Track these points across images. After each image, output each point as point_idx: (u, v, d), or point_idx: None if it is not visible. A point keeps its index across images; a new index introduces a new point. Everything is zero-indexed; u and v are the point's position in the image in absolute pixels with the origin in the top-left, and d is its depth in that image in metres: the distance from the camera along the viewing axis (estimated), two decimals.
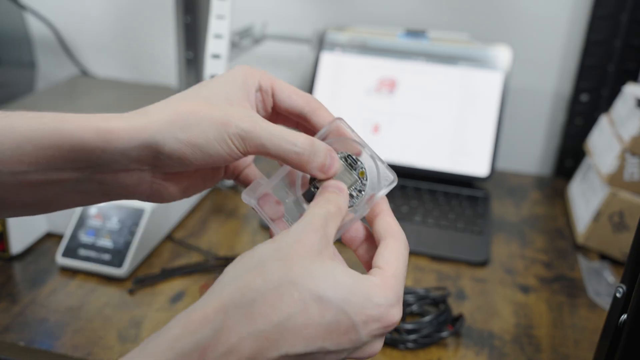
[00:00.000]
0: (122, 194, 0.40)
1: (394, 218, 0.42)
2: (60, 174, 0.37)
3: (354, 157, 0.42)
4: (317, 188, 0.41)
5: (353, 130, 0.42)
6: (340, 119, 0.42)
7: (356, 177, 0.42)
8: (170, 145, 0.38)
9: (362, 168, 0.42)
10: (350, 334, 0.34)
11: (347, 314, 0.34)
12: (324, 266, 0.35)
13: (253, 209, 0.43)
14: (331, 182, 0.41)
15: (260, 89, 0.44)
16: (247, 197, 0.42)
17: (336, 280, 0.35)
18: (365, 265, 0.42)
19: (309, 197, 0.42)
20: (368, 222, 0.43)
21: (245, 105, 0.42)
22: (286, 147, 0.39)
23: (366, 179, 0.42)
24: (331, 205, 0.38)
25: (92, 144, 0.37)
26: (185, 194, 0.44)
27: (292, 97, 0.44)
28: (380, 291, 0.35)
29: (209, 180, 0.45)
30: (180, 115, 0.38)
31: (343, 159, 0.42)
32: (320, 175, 0.40)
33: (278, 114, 0.46)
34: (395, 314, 0.36)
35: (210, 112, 0.39)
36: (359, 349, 0.36)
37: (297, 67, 1.19)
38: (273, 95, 0.44)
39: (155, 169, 0.40)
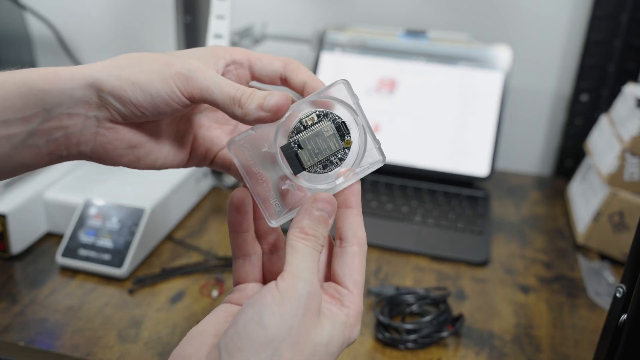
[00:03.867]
0: (67, 149, 0.39)
1: (362, 217, 0.41)
2: (9, 128, 0.37)
3: (342, 121, 0.39)
4: (299, 145, 0.39)
5: (354, 95, 0.40)
6: (344, 80, 0.39)
7: (342, 144, 0.39)
8: (110, 82, 0.37)
9: (349, 136, 0.39)
10: None
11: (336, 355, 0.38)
12: (323, 336, 0.36)
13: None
14: (321, 198, 0.39)
15: (233, 62, 0.43)
16: (229, 144, 0.40)
17: (331, 342, 0.37)
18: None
19: (287, 151, 0.39)
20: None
21: (207, 66, 0.40)
22: (226, 89, 0.38)
23: (349, 148, 0.40)
24: (317, 253, 0.38)
25: (38, 86, 0.36)
26: (135, 156, 0.41)
27: (273, 62, 0.43)
28: (356, 328, 0.39)
29: (165, 148, 0.42)
30: (125, 58, 0.38)
31: (333, 121, 0.39)
32: (261, 114, 0.37)
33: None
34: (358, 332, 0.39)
35: (158, 55, 0.38)
36: None
37: None
38: (251, 67, 0.43)
39: (100, 116, 0.38)
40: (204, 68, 0.38)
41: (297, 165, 0.39)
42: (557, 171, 1.14)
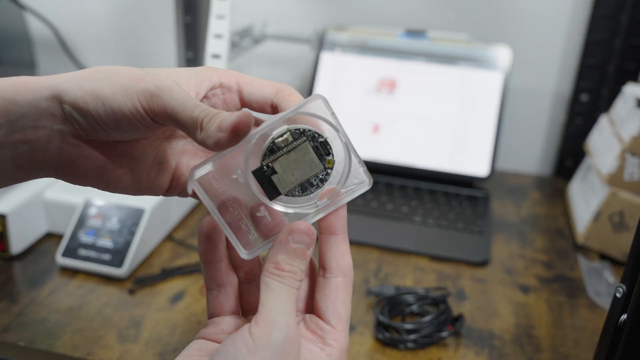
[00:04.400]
0: (33, 164, 0.36)
1: (348, 244, 0.38)
2: None
3: (322, 139, 0.35)
4: (272, 170, 0.35)
5: (333, 113, 0.36)
6: (319, 95, 0.35)
7: (321, 164, 0.36)
8: (73, 93, 0.34)
9: (330, 155, 0.36)
10: None
11: None
12: None
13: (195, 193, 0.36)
14: (297, 229, 0.35)
15: (221, 86, 0.39)
16: (190, 174, 0.35)
17: None
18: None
19: (260, 176, 0.36)
20: (319, 230, 0.38)
21: (187, 87, 0.37)
22: (190, 110, 0.33)
23: (331, 168, 0.36)
24: (294, 290, 0.35)
25: (5, 95, 0.34)
26: (103, 178, 0.38)
27: (263, 87, 0.39)
28: None
29: (140, 174, 0.39)
30: (95, 70, 0.36)
31: (310, 140, 0.35)
32: (219, 136, 0.32)
33: None
34: None
35: (131, 70, 0.35)
36: None
37: (297, 67, 1.19)
38: (240, 92, 0.39)
39: (65, 130, 0.36)
40: (175, 87, 0.34)
41: (272, 191, 0.36)
42: (557, 171, 1.14)
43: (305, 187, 0.36)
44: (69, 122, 0.35)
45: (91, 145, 0.37)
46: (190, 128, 0.33)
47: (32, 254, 0.79)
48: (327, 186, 0.37)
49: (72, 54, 1.25)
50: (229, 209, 0.37)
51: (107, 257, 0.75)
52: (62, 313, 0.69)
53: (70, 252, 0.76)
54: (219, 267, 0.39)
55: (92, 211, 0.78)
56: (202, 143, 0.33)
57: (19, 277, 0.75)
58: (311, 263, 0.40)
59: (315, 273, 0.39)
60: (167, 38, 1.21)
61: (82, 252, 0.75)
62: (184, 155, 0.41)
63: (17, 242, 0.78)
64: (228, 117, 0.32)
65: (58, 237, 0.82)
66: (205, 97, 0.39)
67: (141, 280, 0.74)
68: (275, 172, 0.36)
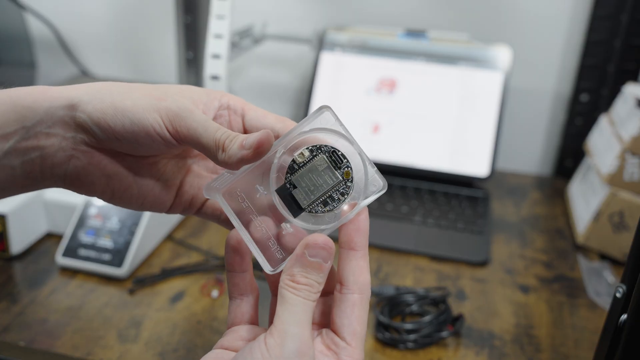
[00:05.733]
0: (42, 171, 0.38)
1: (367, 261, 0.38)
2: None
3: (339, 153, 0.37)
4: (293, 185, 0.37)
5: (342, 124, 0.37)
6: (327, 106, 0.37)
7: (340, 177, 0.37)
8: (93, 104, 0.36)
9: (348, 167, 0.37)
10: None
11: None
12: None
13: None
14: (314, 242, 0.35)
15: (228, 107, 0.41)
16: (209, 191, 0.37)
17: None
18: None
19: (283, 193, 0.37)
20: (339, 245, 0.38)
21: (197, 105, 0.39)
22: (212, 133, 0.36)
23: (351, 180, 0.37)
24: (310, 303, 0.35)
25: (23, 102, 0.36)
26: (109, 187, 0.39)
27: (266, 115, 0.41)
28: None
29: (145, 188, 0.40)
30: (113, 84, 0.37)
31: (327, 154, 0.37)
32: (243, 153, 0.35)
33: None
34: None
35: (150, 88, 0.37)
36: None
37: (297, 67, 1.19)
38: (244, 116, 0.41)
39: (77, 138, 0.37)
40: (195, 110, 0.37)
41: (294, 207, 0.37)
42: (557, 171, 1.14)
43: (326, 202, 0.37)
44: (82, 131, 0.37)
45: (101, 153, 0.38)
46: (212, 149, 0.36)
47: (32, 254, 0.79)
48: (349, 199, 0.37)
49: (72, 54, 1.25)
50: (253, 223, 0.38)
51: (107, 257, 0.75)
52: (62, 313, 0.69)
53: (70, 252, 0.76)
54: (244, 277, 0.40)
55: (92, 211, 0.78)
56: (224, 162, 0.35)
57: (19, 277, 0.75)
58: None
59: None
60: (167, 38, 1.21)
61: (82, 252, 0.75)
62: (189, 174, 0.42)
63: (17, 242, 0.78)
64: (251, 136, 0.35)
65: (58, 237, 0.82)
66: (214, 117, 0.40)
67: (141, 280, 0.74)
68: (295, 187, 0.37)
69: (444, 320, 0.67)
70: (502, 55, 1.00)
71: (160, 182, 0.41)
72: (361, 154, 0.37)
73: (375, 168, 0.38)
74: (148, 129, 0.36)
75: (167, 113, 0.36)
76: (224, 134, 0.36)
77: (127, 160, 0.39)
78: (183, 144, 0.37)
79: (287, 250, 0.38)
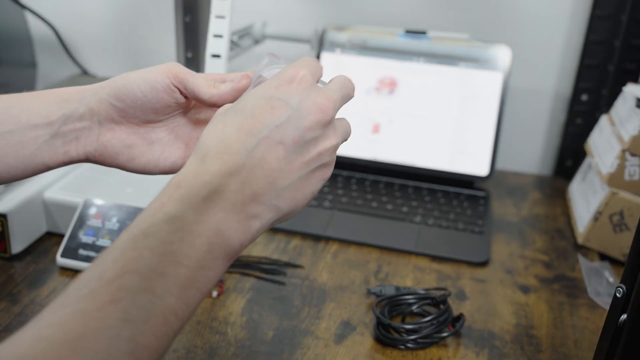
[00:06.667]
0: (77, 149, 0.48)
1: None
2: (37, 131, 0.47)
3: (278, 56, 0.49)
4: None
5: (283, 59, 0.49)
6: (269, 53, 0.49)
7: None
8: (109, 85, 0.48)
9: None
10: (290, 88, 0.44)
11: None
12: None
13: None
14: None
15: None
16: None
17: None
18: None
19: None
20: None
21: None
22: (203, 75, 0.48)
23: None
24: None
25: (62, 96, 0.48)
26: (130, 155, 0.50)
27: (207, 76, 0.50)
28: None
29: (157, 150, 0.50)
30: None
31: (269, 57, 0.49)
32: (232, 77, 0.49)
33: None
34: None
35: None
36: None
37: None
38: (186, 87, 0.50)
39: (101, 118, 0.48)
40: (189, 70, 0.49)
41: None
42: (557, 171, 1.14)
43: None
44: (105, 110, 0.48)
45: (121, 127, 0.49)
46: (204, 86, 0.48)
47: (32, 254, 0.79)
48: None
49: (72, 54, 1.25)
50: None
51: None
52: None
53: (70, 253, 0.76)
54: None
55: (92, 211, 0.78)
56: (217, 94, 0.47)
57: (19, 277, 0.75)
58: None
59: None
60: (167, 38, 1.21)
61: (82, 252, 0.75)
62: (192, 141, 0.52)
63: (17, 242, 0.78)
64: (235, 73, 0.49)
65: (58, 237, 0.82)
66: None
67: None
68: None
69: (444, 321, 0.67)
70: (502, 55, 1.00)
71: (169, 144, 0.51)
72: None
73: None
74: (158, 83, 0.47)
75: (169, 70, 0.48)
76: (211, 76, 0.49)
77: (140, 130, 0.50)
78: (184, 91, 0.48)
79: None
